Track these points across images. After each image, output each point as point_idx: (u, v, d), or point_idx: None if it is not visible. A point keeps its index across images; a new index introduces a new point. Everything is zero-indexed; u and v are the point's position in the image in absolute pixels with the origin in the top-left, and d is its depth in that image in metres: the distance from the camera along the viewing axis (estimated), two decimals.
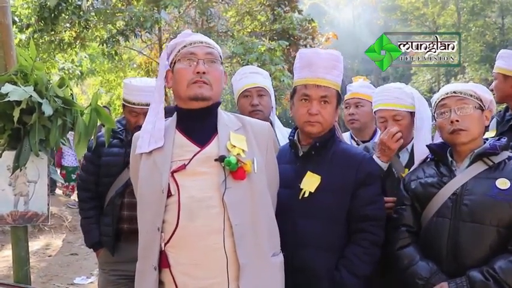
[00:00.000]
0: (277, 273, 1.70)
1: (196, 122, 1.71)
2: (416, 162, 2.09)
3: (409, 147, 2.29)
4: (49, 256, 6.51)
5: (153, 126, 1.69)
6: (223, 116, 1.75)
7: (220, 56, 1.75)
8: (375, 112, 2.37)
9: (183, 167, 1.61)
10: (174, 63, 1.72)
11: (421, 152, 2.08)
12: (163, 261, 1.60)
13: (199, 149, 1.65)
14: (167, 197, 1.59)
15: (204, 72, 1.65)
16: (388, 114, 2.25)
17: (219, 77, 1.70)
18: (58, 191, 9.32)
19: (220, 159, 1.59)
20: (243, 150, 1.64)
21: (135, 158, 1.75)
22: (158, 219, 1.59)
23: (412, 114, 2.24)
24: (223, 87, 1.79)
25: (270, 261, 1.66)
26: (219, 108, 1.78)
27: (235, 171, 1.58)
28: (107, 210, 2.59)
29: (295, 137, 2.01)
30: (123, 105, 2.62)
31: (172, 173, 1.61)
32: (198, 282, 1.56)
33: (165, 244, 1.59)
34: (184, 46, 1.70)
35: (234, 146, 1.63)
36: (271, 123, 2.69)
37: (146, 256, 1.63)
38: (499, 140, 1.86)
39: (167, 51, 1.76)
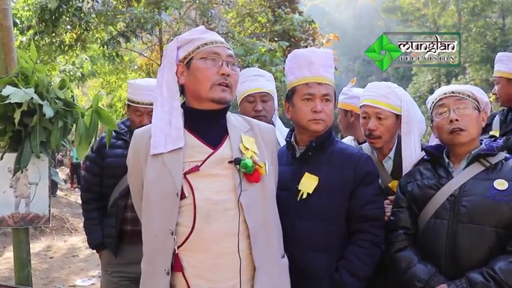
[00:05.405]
0: (287, 274, 1.72)
1: (208, 123, 1.67)
2: (407, 167, 2.06)
3: (391, 154, 2.22)
4: (50, 258, 6.53)
5: (168, 124, 1.62)
6: (232, 118, 1.73)
7: None
8: (360, 107, 2.29)
9: (197, 168, 1.57)
10: (190, 59, 1.65)
11: (410, 158, 2.06)
12: (176, 265, 1.55)
13: (212, 150, 1.61)
14: (180, 199, 1.55)
15: (228, 75, 1.62)
16: (371, 110, 2.19)
17: (237, 81, 1.70)
18: (59, 193, 9.33)
19: (236, 161, 1.57)
20: (255, 153, 1.63)
21: (136, 158, 1.66)
22: (171, 223, 1.53)
23: (398, 117, 2.17)
24: None
25: (281, 262, 1.68)
26: None
27: (251, 174, 1.57)
28: (111, 212, 2.58)
29: (292, 139, 2.00)
30: (128, 105, 2.64)
31: (185, 174, 1.57)
32: (213, 284, 1.53)
33: (178, 247, 1.54)
34: (206, 44, 1.64)
35: (247, 149, 1.62)
36: (273, 125, 2.69)
37: (155, 260, 1.58)
38: (495, 141, 1.86)
39: (177, 44, 1.67)
